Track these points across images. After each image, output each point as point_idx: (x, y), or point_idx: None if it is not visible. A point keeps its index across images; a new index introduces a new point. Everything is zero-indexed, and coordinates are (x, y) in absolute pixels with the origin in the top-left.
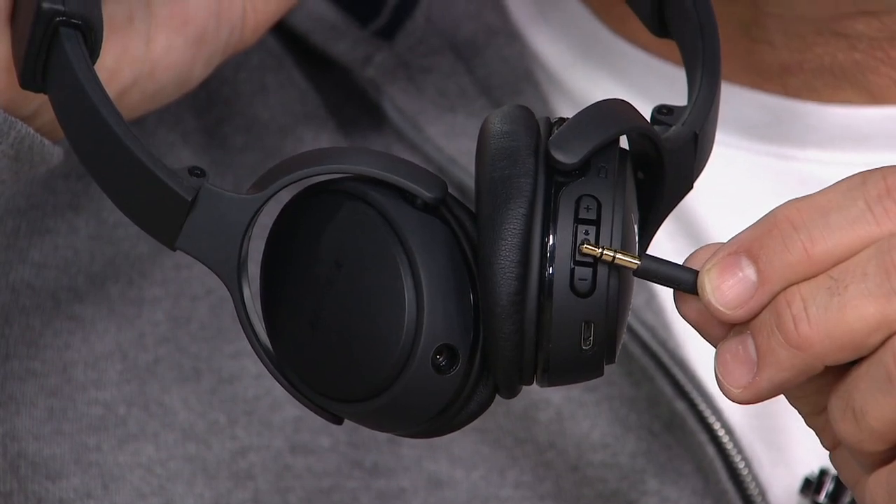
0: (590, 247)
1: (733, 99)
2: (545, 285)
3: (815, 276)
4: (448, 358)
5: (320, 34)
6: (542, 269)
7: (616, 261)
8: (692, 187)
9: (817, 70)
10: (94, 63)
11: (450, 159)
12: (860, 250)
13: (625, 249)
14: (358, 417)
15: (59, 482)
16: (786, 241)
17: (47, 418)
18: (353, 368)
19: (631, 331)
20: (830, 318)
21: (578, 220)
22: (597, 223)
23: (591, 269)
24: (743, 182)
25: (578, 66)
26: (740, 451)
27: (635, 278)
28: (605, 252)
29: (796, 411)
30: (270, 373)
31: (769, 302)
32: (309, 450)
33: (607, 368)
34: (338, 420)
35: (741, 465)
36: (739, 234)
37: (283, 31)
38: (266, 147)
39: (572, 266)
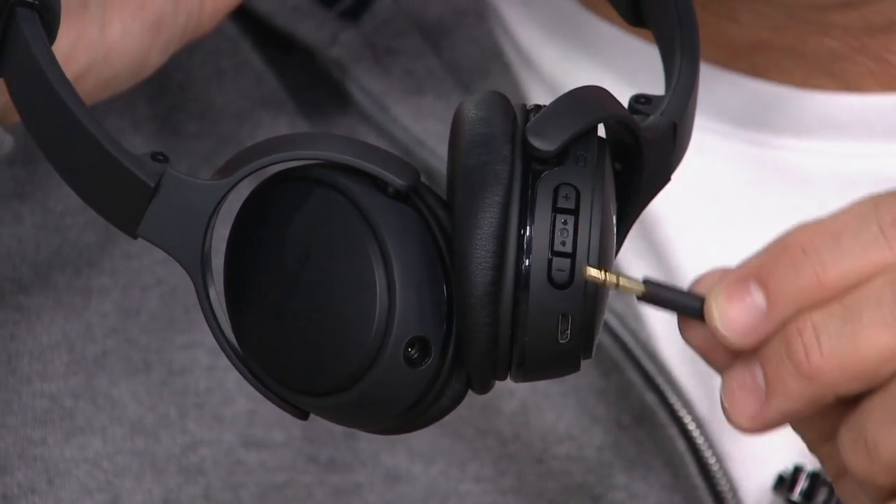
0: (593, 271)
1: (707, 79)
2: (522, 276)
3: (826, 302)
4: (420, 350)
5: (284, 16)
6: (519, 259)
7: (620, 286)
8: (670, 179)
9: (787, 51)
10: (51, 44)
11: (417, 140)
12: (873, 277)
13: (604, 239)
14: (325, 412)
15: (2, 477)
16: (796, 267)
17: None
18: (322, 361)
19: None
20: (843, 347)
21: (556, 210)
22: (575, 213)
23: (569, 261)
24: (716, 168)
25: (551, 46)
26: (711, 445)
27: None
28: (608, 277)
29: None
30: (234, 365)
31: (779, 329)
32: (262, 444)
33: None
34: (303, 415)
35: (712, 460)
36: (748, 258)
37: (240, 13)
38: (221, 133)
39: (550, 256)
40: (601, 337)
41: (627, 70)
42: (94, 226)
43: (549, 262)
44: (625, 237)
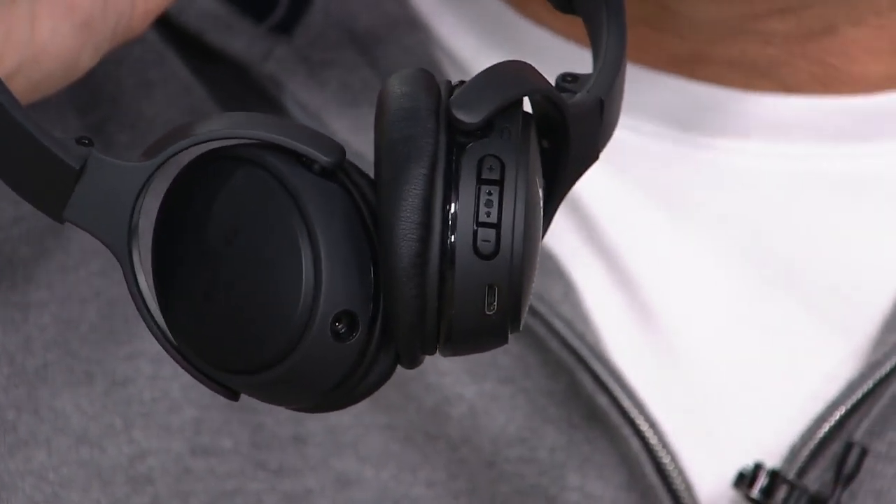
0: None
1: (647, 83)
2: (447, 247)
3: None
4: (347, 325)
5: (214, 33)
6: (444, 230)
7: None
8: (598, 157)
9: (728, 62)
10: None
11: (357, 154)
12: None
13: (529, 211)
14: (255, 390)
15: None
16: None
17: None
18: (250, 339)
19: (547, 324)
20: None
21: (481, 181)
22: (500, 183)
23: (494, 231)
24: (660, 171)
25: (484, 52)
26: (665, 445)
27: (540, 245)
28: None
29: (729, 406)
30: (161, 345)
31: None
32: (210, 452)
33: (524, 361)
34: (234, 395)
35: (666, 459)
36: None
37: (163, 22)
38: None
39: (475, 227)
40: (549, 341)
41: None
42: (27, 239)
43: (475, 233)
44: (552, 215)
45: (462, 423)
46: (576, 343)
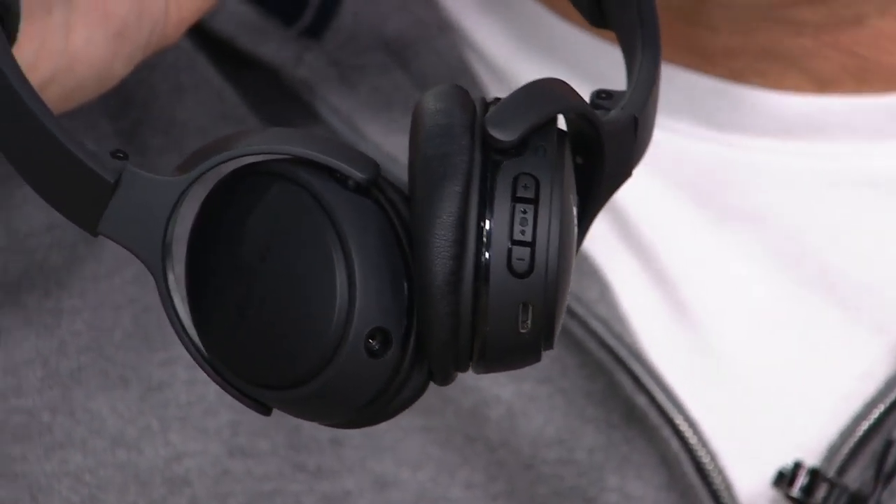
0: None
1: (680, 81)
2: (482, 265)
3: None
4: (381, 342)
5: (246, 37)
6: (479, 248)
7: None
8: (631, 174)
9: (762, 54)
10: (11, 46)
11: (389, 157)
12: None
13: (564, 229)
14: (288, 405)
15: None
16: None
17: None
18: (283, 354)
19: (585, 325)
20: None
21: (516, 199)
22: (535, 202)
23: (528, 249)
24: (694, 171)
25: (520, 54)
26: (704, 444)
27: (575, 260)
28: None
29: (766, 406)
30: (194, 359)
31: None
32: (248, 453)
33: (562, 362)
34: (266, 410)
35: (706, 458)
36: None
37: (195, 29)
38: (185, 148)
39: (510, 245)
40: (587, 342)
41: (600, 76)
42: (58, 247)
43: (509, 251)
44: (586, 231)
45: (500, 425)
46: (614, 343)
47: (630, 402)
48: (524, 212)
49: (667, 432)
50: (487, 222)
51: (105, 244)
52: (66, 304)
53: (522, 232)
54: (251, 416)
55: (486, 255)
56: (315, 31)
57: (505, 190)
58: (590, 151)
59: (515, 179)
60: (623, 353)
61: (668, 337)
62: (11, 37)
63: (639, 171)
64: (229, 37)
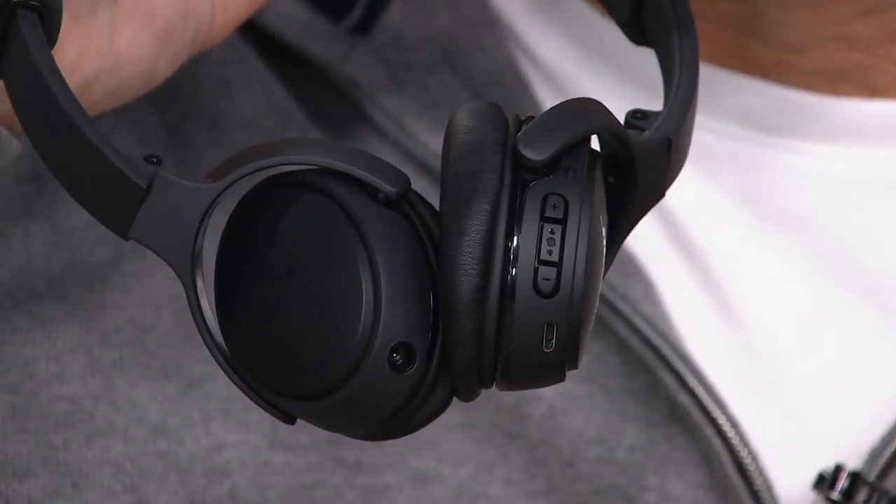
0: None
1: (729, 84)
2: (508, 284)
3: None
4: (405, 357)
5: (294, 34)
6: (505, 267)
7: None
8: (664, 195)
9: (813, 71)
10: (52, 48)
11: (435, 155)
12: None
13: (592, 249)
14: (311, 416)
15: (26, 481)
16: None
17: (9, 416)
18: (308, 365)
19: (629, 323)
20: None
21: (544, 219)
22: (563, 222)
23: (555, 269)
24: (742, 174)
25: (568, 54)
26: (746, 444)
27: (605, 276)
28: None
29: (809, 408)
30: (220, 367)
31: None
32: (288, 447)
33: (604, 360)
34: (290, 419)
35: (748, 459)
36: None
37: (244, 24)
38: (231, 142)
39: (536, 265)
40: (631, 340)
41: (646, 78)
42: (103, 243)
43: (536, 270)
44: (616, 252)
45: (541, 423)
46: (657, 341)
47: (672, 400)
48: (552, 232)
49: (709, 432)
50: (515, 241)
51: None
52: (108, 300)
53: (550, 252)
54: None
55: (513, 273)
56: (363, 29)
57: (534, 209)
58: (622, 171)
59: (545, 199)
60: (667, 351)
61: (712, 337)
62: (52, 37)
63: (687, 173)
64: (278, 33)
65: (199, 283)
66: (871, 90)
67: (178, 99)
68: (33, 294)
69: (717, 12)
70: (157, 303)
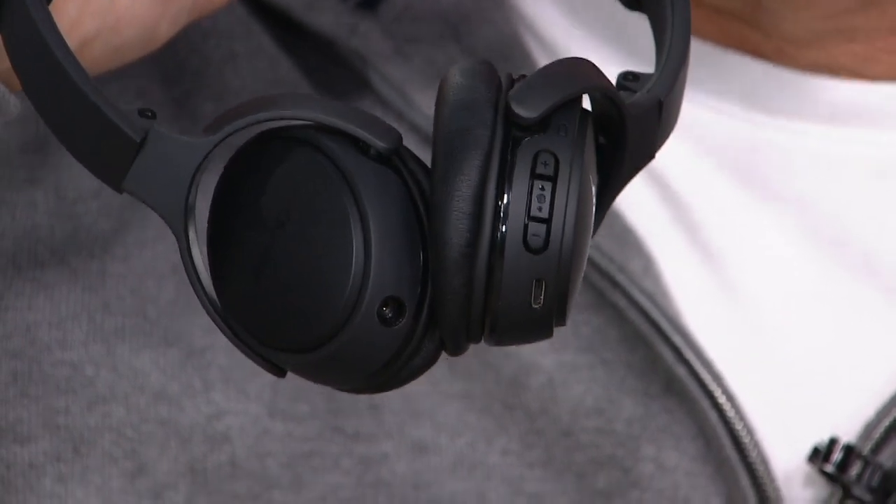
0: None
1: (730, 64)
2: (497, 240)
3: None
4: (394, 310)
5: (300, 8)
6: (495, 222)
7: None
8: (654, 156)
9: (814, 59)
10: (49, 2)
11: None
12: None
13: (581, 207)
14: (301, 368)
15: (27, 446)
16: None
17: (12, 381)
18: (298, 318)
19: (628, 296)
20: None
21: (535, 176)
22: (553, 179)
23: (544, 226)
24: (742, 153)
25: (573, 30)
26: (742, 417)
27: (593, 238)
28: None
29: (805, 383)
30: (212, 318)
31: None
32: (288, 415)
33: (604, 332)
34: (280, 372)
35: (743, 432)
36: None
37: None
38: None
39: (526, 221)
40: (631, 314)
41: (650, 56)
42: (106, 213)
43: (525, 226)
44: (605, 211)
45: (540, 394)
46: (656, 315)
47: (670, 373)
48: (542, 189)
49: (705, 404)
50: (505, 197)
51: (151, 211)
52: (110, 269)
53: (539, 209)
54: (292, 380)
55: (503, 229)
56: (371, 3)
57: (524, 166)
58: (613, 132)
59: (535, 156)
60: (665, 324)
61: (711, 311)
62: None
63: (687, 150)
64: (284, 6)
65: (192, 237)
66: (870, 80)
67: (184, 72)
68: (37, 261)
69: (718, 3)
70: (160, 272)
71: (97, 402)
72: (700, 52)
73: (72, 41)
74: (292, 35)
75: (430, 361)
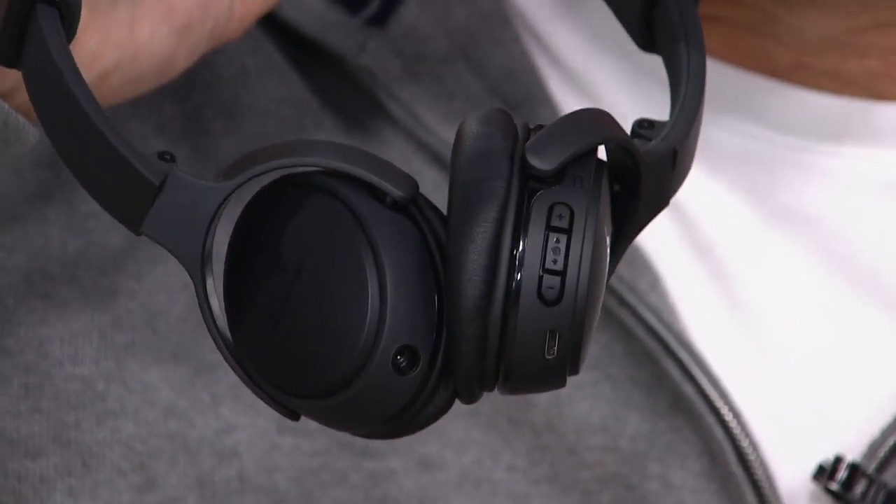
0: None
1: (739, 82)
2: (512, 291)
3: None
4: (409, 359)
5: (311, 25)
6: (510, 274)
7: None
8: (668, 204)
9: (826, 73)
10: (70, 41)
11: (448, 146)
12: None
13: (596, 259)
14: (315, 414)
15: (38, 460)
16: None
17: (23, 395)
18: (313, 364)
19: (635, 313)
20: None
21: (550, 228)
22: (568, 232)
23: (559, 278)
24: (752, 171)
25: (582, 47)
26: (748, 434)
27: (608, 283)
28: None
29: (811, 401)
30: (227, 362)
31: None
32: (296, 431)
33: (610, 349)
34: (294, 416)
35: (749, 449)
36: None
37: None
38: (247, 131)
39: (541, 273)
40: (637, 331)
41: (659, 73)
42: (117, 229)
43: (540, 279)
44: (619, 259)
45: (546, 411)
46: (663, 332)
47: (676, 390)
48: (557, 241)
49: (711, 421)
50: (521, 249)
51: None
52: (122, 285)
53: (554, 261)
54: None
55: (518, 280)
56: (380, 21)
57: (540, 218)
58: (628, 180)
59: (551, 208)
60: (672, 341)
61: (718, 329)
62: (72, 29)
63: (698, 169)
64: (295, 23)
65: (209, 281)
66: (878, 96)
67: (195, 87)
68: (48, 277)
69: (732, 16)
70: (170, 289)
71: (107, 416)
72: (712, 72)
73: (91, 73)
74: (304, 52)
75: (444, 409)
